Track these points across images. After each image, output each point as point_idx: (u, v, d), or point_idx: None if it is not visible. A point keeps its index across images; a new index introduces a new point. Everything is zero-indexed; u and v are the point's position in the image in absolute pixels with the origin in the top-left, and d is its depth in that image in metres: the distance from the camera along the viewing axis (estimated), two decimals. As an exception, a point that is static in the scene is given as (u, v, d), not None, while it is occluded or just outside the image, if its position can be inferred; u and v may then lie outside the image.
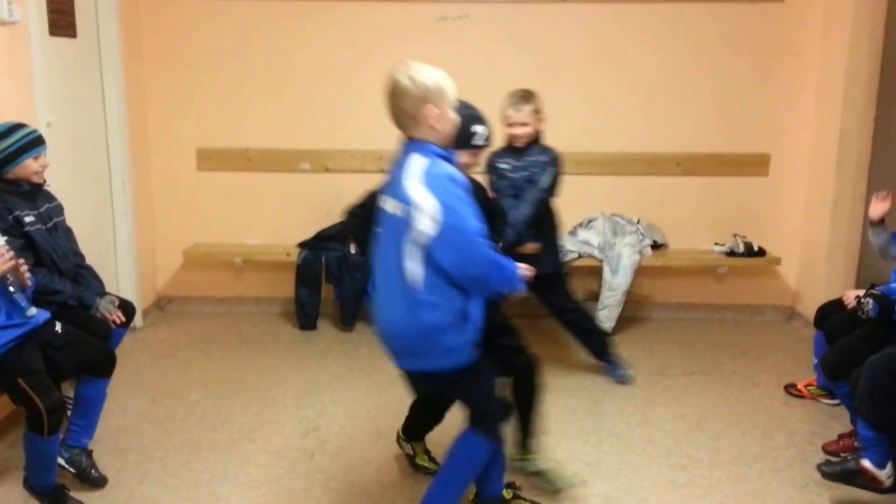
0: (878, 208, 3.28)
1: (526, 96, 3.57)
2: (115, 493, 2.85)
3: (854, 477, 2.73)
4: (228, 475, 2.98)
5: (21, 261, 2.65)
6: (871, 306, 2.89)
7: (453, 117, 2.33)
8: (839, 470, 2.76)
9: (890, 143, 4.24)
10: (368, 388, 3.80)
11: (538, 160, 3.63)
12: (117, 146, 4.32)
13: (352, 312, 4.58)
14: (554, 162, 3.65)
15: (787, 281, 4.95)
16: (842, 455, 3.09)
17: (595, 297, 4.67)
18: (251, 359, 4.16)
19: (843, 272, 4.49)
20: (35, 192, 3.01)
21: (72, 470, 2.87)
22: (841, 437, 3.25)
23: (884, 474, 2.69)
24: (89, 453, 2.93)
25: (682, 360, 4.23)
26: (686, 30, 4.65)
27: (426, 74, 2.29)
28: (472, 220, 2.22)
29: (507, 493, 2.73)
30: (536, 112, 3.59)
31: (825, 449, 3.23)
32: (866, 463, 2.69)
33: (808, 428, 3.39)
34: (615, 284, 4.47)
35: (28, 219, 2.92)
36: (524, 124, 3.56)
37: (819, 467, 2.83)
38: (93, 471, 2.89)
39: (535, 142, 3.64)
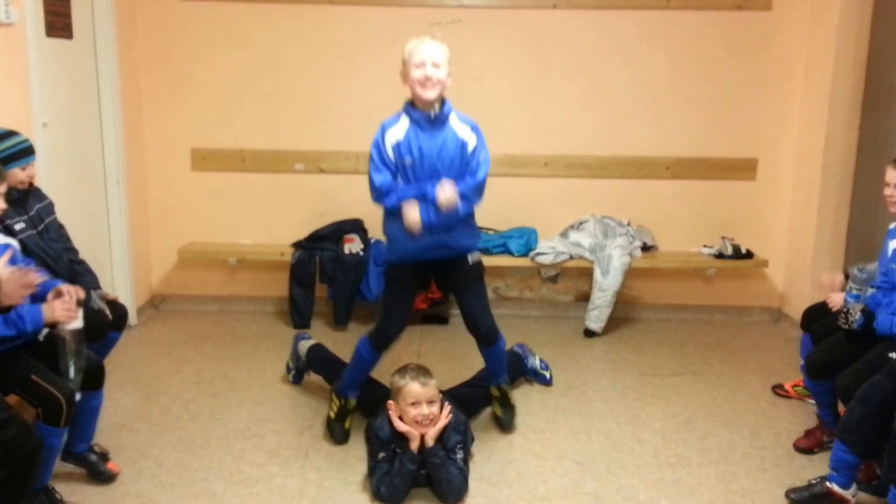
0: (833, 286, 3.35)
1: None
2: (109, 491, 2.87)
3: (822, 499, 2.81)
4: (223, 473, 3.01)
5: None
6: (857, 316, 2.95)
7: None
8: (807, 495, 2.84)
9: (874, 148, 4.31)
10: (362, 387, 3.83)
11: None
12: (112, 146, 4.33)
13: (345, 311, 4.61)
14: None
15: (774, 283, 5.02)
16: (812, 450, 3.24)
17: (586, 297, 4.73)
18: (245, 357, 4.19)
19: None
20: (25, 196, 3.00)
21: (82, 470, 2.92)
22: (808, 433, 3.32)
23: (849, 493, 2.77)
24: (93, 452, 2.97)
25: (670, 360, 4.28)
26: (675, 36, 4.70)
27: None
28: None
29: (495, 391, 3.39)
30: None
31: (796, 446, 3.29)
32: (835, 487, 2.77)
33: (795, 428, 3.43)
34: (605, 285, 4.53)
35: (18, 226, 2.91)
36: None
37: (787, 495, 2.89)
38: (102, 466, 2.94)
39: None
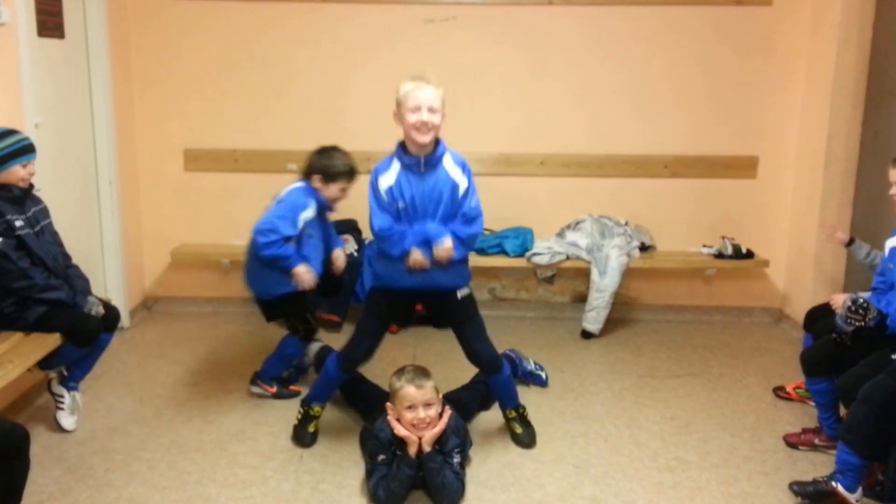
0: (835, 238, 3.66)
1: None
2: (103, 494, 2.83)
3: (825, 498, 2.77)
4: (217, 476, 2.98)
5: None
6: (875, 313, 2.87)
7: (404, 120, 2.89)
8: (811, 490, 2.81)
9: (877, 146, 4.27)
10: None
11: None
12: (104, 147, 4.30)
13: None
14: None
15: (775, 283, 4.98)
16: (797, 446, 3.25)
17: (583, 298, 4.69)
18: (238, 359, 4.14)
19: (830, 275, 4.52)
20: (24, 197, 3.01)
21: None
22: (805, 431, 3.30)
23: (853, 497, 2.73)
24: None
25: (670, 362, 4.24)
26: (674, 32, 4.67)
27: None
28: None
29: (511, 413, 3.29)
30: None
31: (786, 440, 3.28)
32: (840, 488, 2.73)
33: (797, 430, 3.38)
34: (603, 286, 4.48)
35: (17, 223, 2.94)
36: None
37: (790, 486, 2.87)
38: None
39: None
